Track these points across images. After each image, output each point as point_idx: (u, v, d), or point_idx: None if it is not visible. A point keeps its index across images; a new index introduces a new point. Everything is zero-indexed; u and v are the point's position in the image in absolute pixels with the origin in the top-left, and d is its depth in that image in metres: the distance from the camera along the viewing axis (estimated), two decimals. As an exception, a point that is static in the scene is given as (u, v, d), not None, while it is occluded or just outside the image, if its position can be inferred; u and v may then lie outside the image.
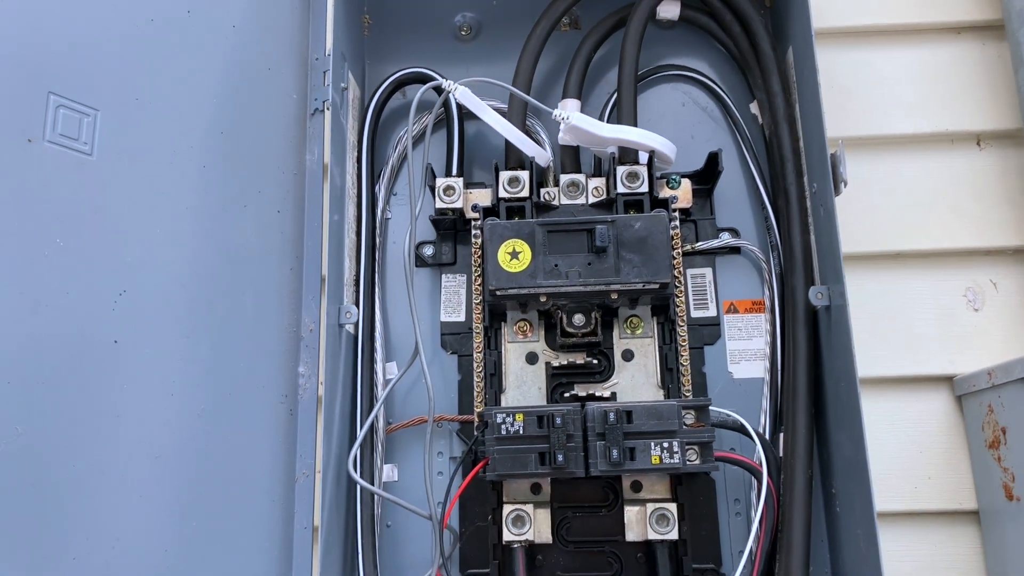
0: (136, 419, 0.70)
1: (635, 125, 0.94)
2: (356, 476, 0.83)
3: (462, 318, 0.98)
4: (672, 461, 0.80)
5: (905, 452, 0.93)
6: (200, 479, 0.74)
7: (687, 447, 0.80)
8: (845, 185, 0.81)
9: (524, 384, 0.92)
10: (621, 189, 0.91)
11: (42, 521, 0.62)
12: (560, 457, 0.79)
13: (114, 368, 0.68)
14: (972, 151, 1.01)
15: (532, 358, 0.93)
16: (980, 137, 1.01)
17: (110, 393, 0.68)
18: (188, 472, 0.73)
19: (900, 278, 0.98)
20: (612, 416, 0.80)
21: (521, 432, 0.81)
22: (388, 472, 0.93)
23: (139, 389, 0.70)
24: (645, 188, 0.91)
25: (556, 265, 0.86)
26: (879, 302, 0.98)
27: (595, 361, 0.91)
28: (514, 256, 0.86)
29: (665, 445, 0.80)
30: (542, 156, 0.96)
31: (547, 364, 0.92)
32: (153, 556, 0.69)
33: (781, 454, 0.86)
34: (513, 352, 0.93)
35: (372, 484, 0.89)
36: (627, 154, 0.93)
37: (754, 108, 1.00)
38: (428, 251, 1.00)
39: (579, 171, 0.97)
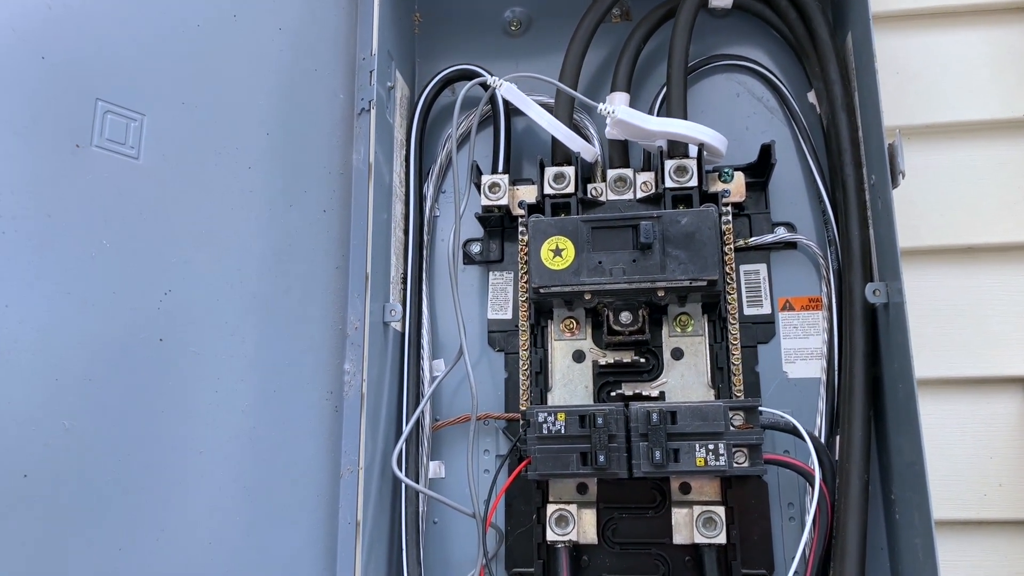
0: (181, 415, 0.72)
1: (685, 118, 0.91)
2: (399, 473, 0.84)
3: (509, 315, 0.97)
4: (718, 464, 0.77)
5: (975, 457, 0.88)
6: (245, 474, 0.76)
7: (735, 449, 0.78)
8: (903, 177, 0.77)
9: (571, 383, 0.91)
10: (669, 184, 0.89)
11: (87, 513, 0.64)
12: (602, 457, 0.78)
13: (160, 365, 0.71)
14: (1052, 137, 0.94)
15: (579, 356, 0.92)
16: (1061, 122, 0.94)
17: (156, 390, 0.70)
18: (232, 467, 0.75)
19: (972, 273, 0.93)
20: (655, 417, 0.78)
21: (563, 432, 0.80)
22: (435, 469, 0.94)
23: (184, 386, 0.72)
24: (694, 182, 0.89)
25: (600, 262, 0.85)
26: (949, 299, 0.92)
27: (642, 360, 0.89)
28: (557, 253, 0.85)
29: (711, 447, 0.78)
30: (588, 151, 0.94)
31: (594, 362, 0.91)
32: (197, 548, 0.71)
33: (837, 457, 0.82)
34: (560, 350, 0.92)
35: (418, 480, 0.90)
36: (676, 148, 0.91)
37: (812, 97, 0.96)
38: (475, 249, 1.00)
39: (627, 166, 0.95)
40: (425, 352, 0.95)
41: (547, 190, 0.92)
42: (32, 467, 0.61)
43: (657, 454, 0.77)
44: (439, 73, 1.01)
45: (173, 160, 0.74)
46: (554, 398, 0.90)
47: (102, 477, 0.65)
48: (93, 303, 0.67)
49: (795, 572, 0.80)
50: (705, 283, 0.83)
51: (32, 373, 0.63)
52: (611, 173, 0.93)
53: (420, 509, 0.90)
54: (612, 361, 0.89)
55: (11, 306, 0.62)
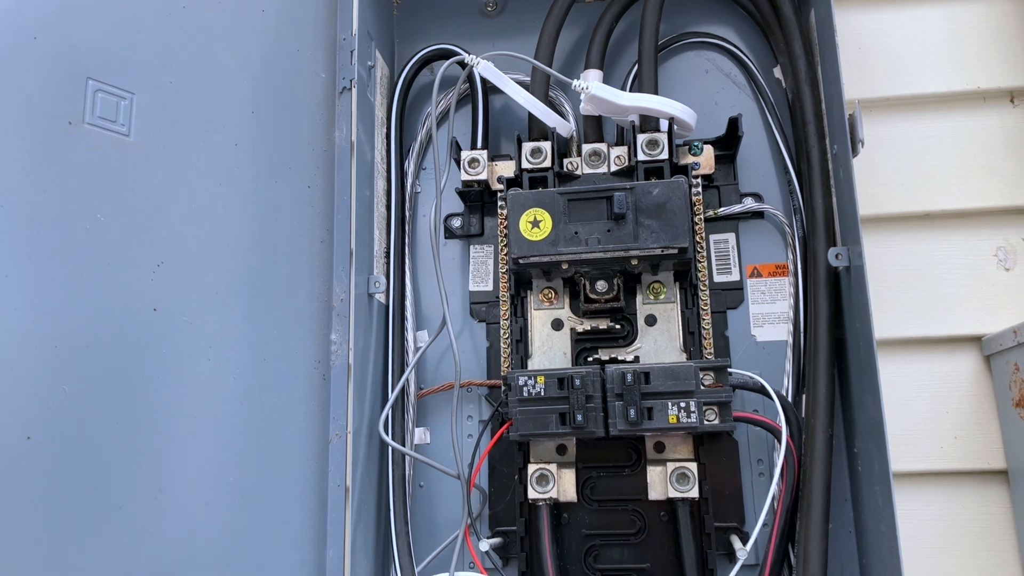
0: (176, 382, 0.74)
1: (656, 94, 0.94)
2: (386, 437, 0.87)
3: (490, 287, 1.01)
4: (690, 421, 0.81)
5: (932, 412, 0.92)
6: (237, 439, 0.79)
7: (705, 407, 0.82)
8: (862, 146, 0.81)
9: (550, 350, 0.94)
10: (641, 157, 0.93)
11: (87, 474, 0.67)
12: (579, 417, 0.82)
13: (154, 334, 0.73)
14: (1006, 108, 0.99)
15: (557, 324, 0.95)
16: (1014, 94, 0.99)
17: (151, 357, 0.73)
18: (225, 432, 0.78)
19: (930, 238, 0.97)
20: (630, 377, 0.82)
21: (543, 394, 0.84)
22: (420, 435, 0.97)
23: (178, 354, 0.75)
24: (665, 155, 0.92)
25: (576, 232, 0.88)
26: (908, 263, 0.97)
27: (618, 326, 0.93)
28: (535, 225, 0.89)
29: (683, 405, 0.82)
30: (564, 127, 0.97)
31: (572, 330, 0.95)
32: (193, 509, 0.74)
33: (803, 415, 0.87)
34: (539, 319, 0.95)
35: (404, 447, 0.93)
36: (648, 122, 0.94)
37: (777, 72, 1.00)
38: (456, 223, 1.03)
39: (601, 140, 0.98)
40: (409, 323, 0.98)
41: (525, 164, 0.95)
42: (35, 430, 0.64)
43: (632, 412, 0.81)
44: (418, 53, 1.04)
45: (162, 137, 0.77)
46: (534, 365, 0.94)
47: (101, 440, 0.68)
48: (89, 274, 0.69)
49: (764, 523, 0.84)
50: (676, 251, 0.87)
51: (32, 341, 0.65)
52: (586, 148, 0.97)
53: (406, 473, 0.94)
54: (589, 328, 0.93)
55: (11, 276, 0.65)
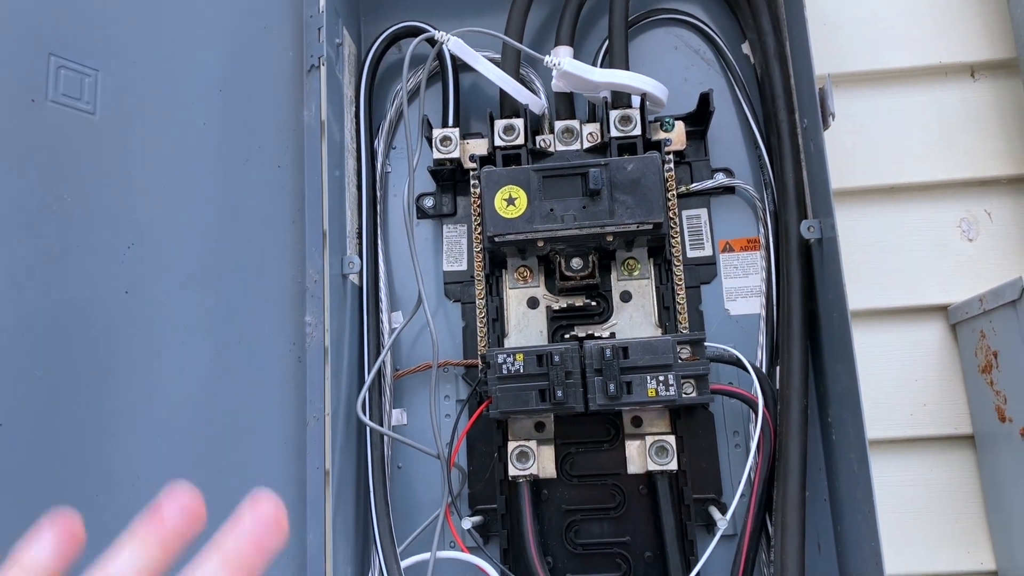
0: (149, 365, 0.73)
1: (627, 70, 0.94)
2: (364, 417, 0.87)
3: (464, 267, 1.00)
4: (668, 394, 0.82)
5: (901, 381, 0.94)
6: (213, 423, 0.78)
7: (683, 380, 0.83)
8: (833, 119, 0.82)
9: (526, 328, 0.94)
10: (614, 133, 0.93)
11: (62, 462, 0.65)
12: (559, 393, 0.82)
13: (126, 317, 0.72)
14: (966, 83, 1.01)
15: (533, 303, 0.95)
16: (974, 68, 1.01)
17: (123, 341, 0.71)
18: (201, 416, 0.77)
19: (895, 211, 0.99)
20: (608, 352, 0.82)
21: (522, 371, 0.84)
22: (397, 416, 0.97)
23: (151, 337, 0.73)
24: (638, 131, 0.92)
25: (552, 210, 0.88)
26: (874, 236, 0.99)
27: (594, 303, 0.94)
28: (510, 202, 0.88)
29: (661, 378, 0.82)
30: (536, 104, 0.97)
31: (548, 308, 0.94)
32: (172, 494, 0.73)
33: (778, 386, 0.88)
34: (514, 298, 0.95)
35: (382, 428, 0.93)
36: (620, 98, 0.94)
37: (746, 48, 1.01)
38: (428, 203, 1.02)
39: (573, 117, 0.98)
40: (384, 304, 0.97)
41: (497, 142, 0.94)
42: (7, 416, 0.62)
43: (611, 387, 0.82)
44: (386, 30, 1.02)
45: (128, 116, 0.75)
46: (510, 343, 0.93)
47: (74, 425, 0.66)
48: (57, 256, 0.67)
49: (742, 494, 0.85)
50: (651, 226, 0.87)
51: (2, 325, 0.63)
52: (558, 124, 0.97)
53: (385, 455, 0.93)
54: (565, 306, 0.93)
55: (-25, 260, 0.63)
